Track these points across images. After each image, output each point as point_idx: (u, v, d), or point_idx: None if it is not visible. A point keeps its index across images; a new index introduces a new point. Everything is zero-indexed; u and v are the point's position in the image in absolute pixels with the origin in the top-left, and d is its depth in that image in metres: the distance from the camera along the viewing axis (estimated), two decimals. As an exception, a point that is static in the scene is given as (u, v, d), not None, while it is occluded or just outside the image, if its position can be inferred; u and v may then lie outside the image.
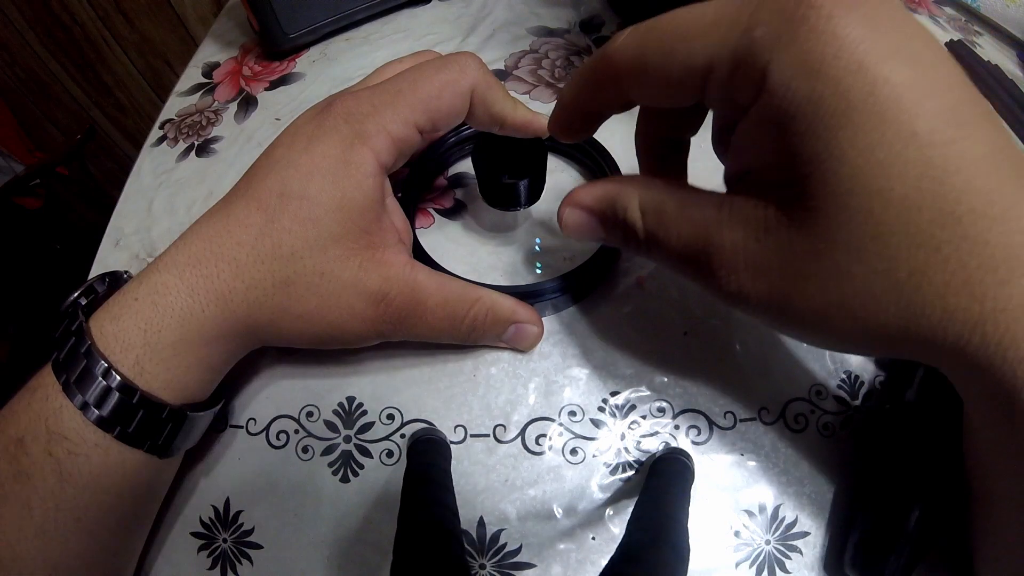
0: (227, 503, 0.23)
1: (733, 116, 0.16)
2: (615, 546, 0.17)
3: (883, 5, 0.14)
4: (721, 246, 0.16)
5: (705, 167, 0.30)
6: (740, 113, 0.16)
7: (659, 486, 0.20)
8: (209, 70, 0.40)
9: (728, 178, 0.18)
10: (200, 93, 0.38)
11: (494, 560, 0.22)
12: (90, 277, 0.23)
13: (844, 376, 0.24)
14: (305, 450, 0.24)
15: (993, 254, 0.13)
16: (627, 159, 0.30)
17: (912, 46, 0.14)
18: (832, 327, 0.15)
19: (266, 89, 0.37)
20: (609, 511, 0.22)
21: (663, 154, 0.22)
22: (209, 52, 0.41)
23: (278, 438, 0.24)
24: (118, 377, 0.19)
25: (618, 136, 0.32)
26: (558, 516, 0.22)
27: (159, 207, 0.32)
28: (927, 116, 0.13)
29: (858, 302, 0.14)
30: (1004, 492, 0.16)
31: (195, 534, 0.23)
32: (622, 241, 0.19)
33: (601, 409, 0.24)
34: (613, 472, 0.23)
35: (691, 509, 0.19)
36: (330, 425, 0.24)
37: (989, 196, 0.13)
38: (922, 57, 0.14)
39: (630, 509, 0.19)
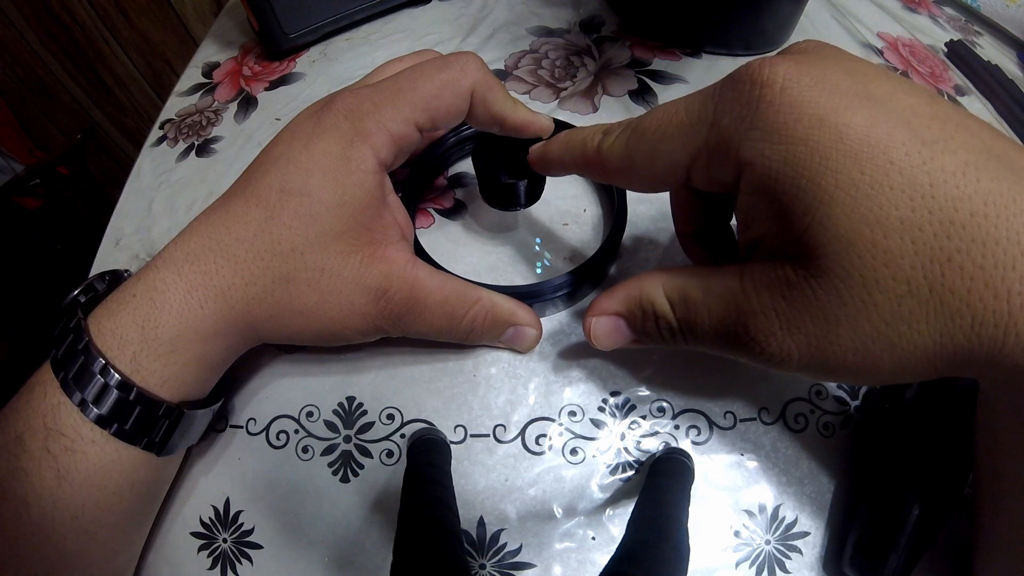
0: (227, 503, 0.23)
1: (718, 192, 0.18)
2: (615, 546, 0.17)
3: (828, 63, 0.16)
4: (753, 312, 0.16)
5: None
6: (725, 189, 0.17)
7: (659, 486, 0.20)
8: (209, 70, 0.40)
9: (742, 250, 0.18)
10: (200, 93, 0.38)
11: (494, 560, 0.22)
12: (90, 276, 0.23)
13: (844, 376, 0.24)
14: (305, 450, 0.24)
15: (1006, 250, 0.13)
16: (627, 159, 0.30)
17: (866, 89, 0.15)
18: (874, 362, 0.15)
19: (266, 89, 0.37)
20: (609, 511, 0.22)
21: (701, 232, 0.23)
22: (209, 52, 0.41)
23: (278, 438, 0.24)
24: (115, 374, 0.19)
25: (618, 136, 0.32)
26: (558, 516, 0.22)
27: (159, 207, 0.32)
28: (898, 144, 0.14)
29: (891, 330, 0.14)
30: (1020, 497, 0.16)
31: (195, 534, 0.23)
32: (657, 336, 0.20)
33: (601, 409, 0.24)
34: (613, 472, 0.23)
35: (691, 509, 0.19)
36: (330, 425, 0.24)
37: (984, 197, 0.13)
38: (877, 95, 0.15)
39: (630, 509, 0.19)
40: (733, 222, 0.21)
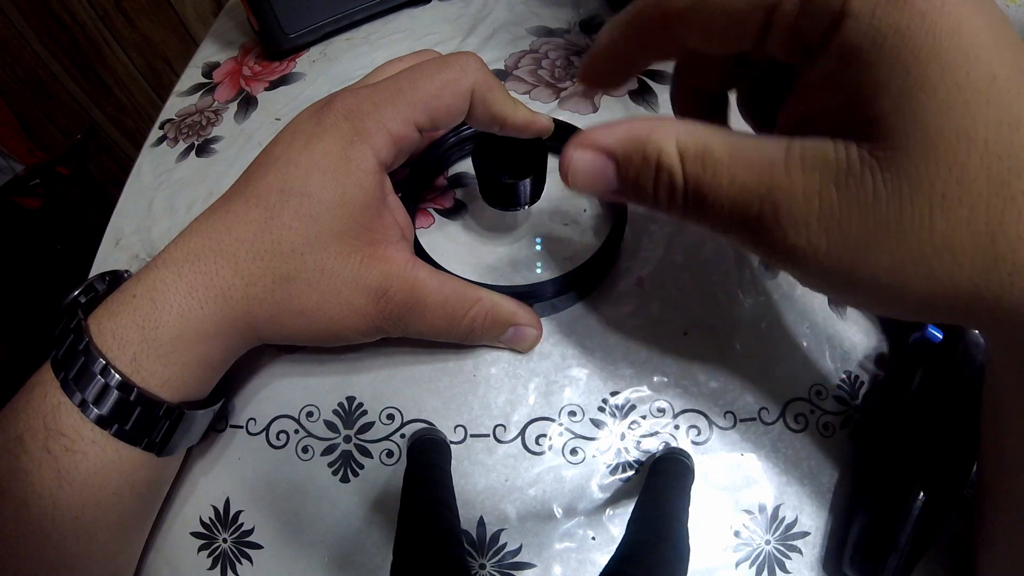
0: (227, 503, 0.23)
1: (791, 61, 0.15)
2: (615, 546, 0.17)
3: None
4: (791, 192, 0.14)
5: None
6: (800, 56, 0.15)
7: (659, 486, 0.20)
8: (209, 70, 0.40)
9: (786, 126, 0.16)
10: (200, 93, 0.38)
11: (494, 560, 0.22)
12: (90, 276, 0.23)
13: (844, 376, 0.24)
14: (305, 450, 0.24)
15: None
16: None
17: (984, 3, 0.13)
18: (905, 287, 0.14)
19: (266, 89, 0.37)
20: (609, 511, 0.22)
21: (703, 110, 0.21)
22: (209, 52, 0.41)
23: (278, 438, 0.24)
24: (116, 374, 0.19)
25: (618, 136, 0.32)
26: (558, 516, 0.22)
27: (159, 207, 0.32)
28: (1004, 64, 0.13)
29: (936, 256, 0.13)
30: None
31: (195, 534, 0.23)
32: (649, 194, 0.16)
33: (601, 409, 0.24)
34: (613, 472, 0.23)
35: (691, 509, 0.19)
36: (330, 425, 0.24)
37: None
38: (990, 10, 0.13)
39: (630, 509, 0.19)
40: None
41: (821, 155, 0.14)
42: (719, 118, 0.21)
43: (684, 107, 0.21)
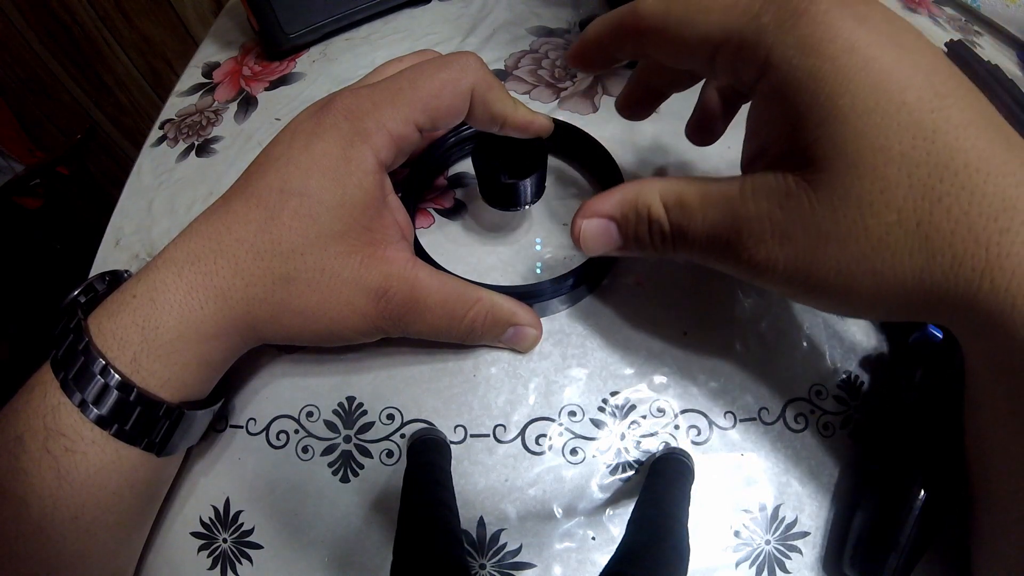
0: (227, 503, 0.23)
1: (735, 88, 0.18)
2: (615, 546, 0.17)
3: (871, 5, 0.16)
4: (748, 218, 0.17)
5: (715, 167, 0.30)
6: (742, 86, 0.18)
7: (659, 486, 0.20)
8: (209, 70, 0.40)
9: (745, 163, 0.19)
10: (200, 93, 0.38)
11: (494, 560, 0.22)
12: (90, 276, 0.23)
13: (844, 376, 0.24)
14: (305, 450, 0.24)
15: (991, 203, 0.14)
16: (627, 160, 0.30)
17: (898, 36, 0.16)
18: (855, 286, 0.16)
19: (266, 89, 0.37)
20: (609, 511, 0.22)
21: (643, 96, 0.25)
22: (209, 52, 0.41)
23: (278, 438, 0.24)
24: (116, 375, 0.19)
25: (618, 137, 0.32)
26: (558, 516, 0.22)
27: (159, 207, 0.32)
28: (914, 88, 0.15)
29: (876, 256, 0.15)
30: (1006, 468, 0.17)
31: (195, 534, 0.23)
32: (647, 242, 0.20)
33: (601, 409, 0.24)
34: (613, 472, 0.23)
35: (691, 509, 0.19)
36: (330, 425, 0.24)
37: (979, 153, 0.14)
38: (906, 44, 0.16)
39: (630, 509, 0.19)
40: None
41: (766, 185, 0.17)
42: (651, 107, 0.26)
43: (631, 93, 0.25)
